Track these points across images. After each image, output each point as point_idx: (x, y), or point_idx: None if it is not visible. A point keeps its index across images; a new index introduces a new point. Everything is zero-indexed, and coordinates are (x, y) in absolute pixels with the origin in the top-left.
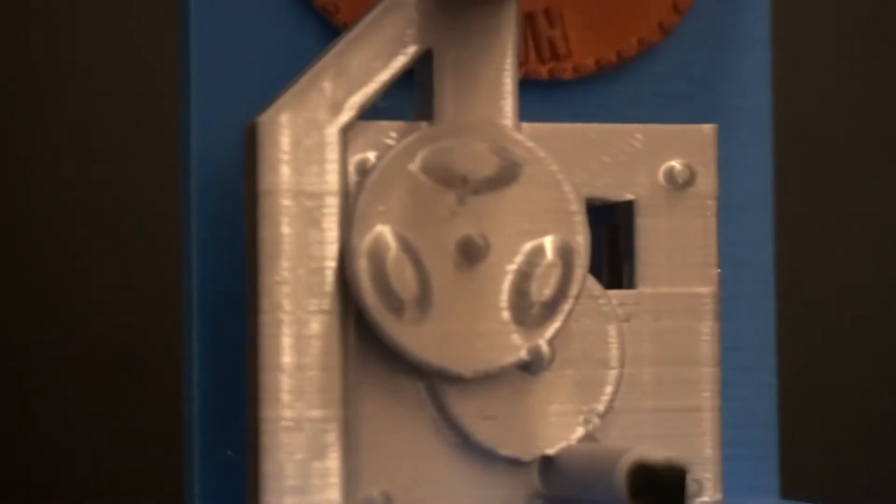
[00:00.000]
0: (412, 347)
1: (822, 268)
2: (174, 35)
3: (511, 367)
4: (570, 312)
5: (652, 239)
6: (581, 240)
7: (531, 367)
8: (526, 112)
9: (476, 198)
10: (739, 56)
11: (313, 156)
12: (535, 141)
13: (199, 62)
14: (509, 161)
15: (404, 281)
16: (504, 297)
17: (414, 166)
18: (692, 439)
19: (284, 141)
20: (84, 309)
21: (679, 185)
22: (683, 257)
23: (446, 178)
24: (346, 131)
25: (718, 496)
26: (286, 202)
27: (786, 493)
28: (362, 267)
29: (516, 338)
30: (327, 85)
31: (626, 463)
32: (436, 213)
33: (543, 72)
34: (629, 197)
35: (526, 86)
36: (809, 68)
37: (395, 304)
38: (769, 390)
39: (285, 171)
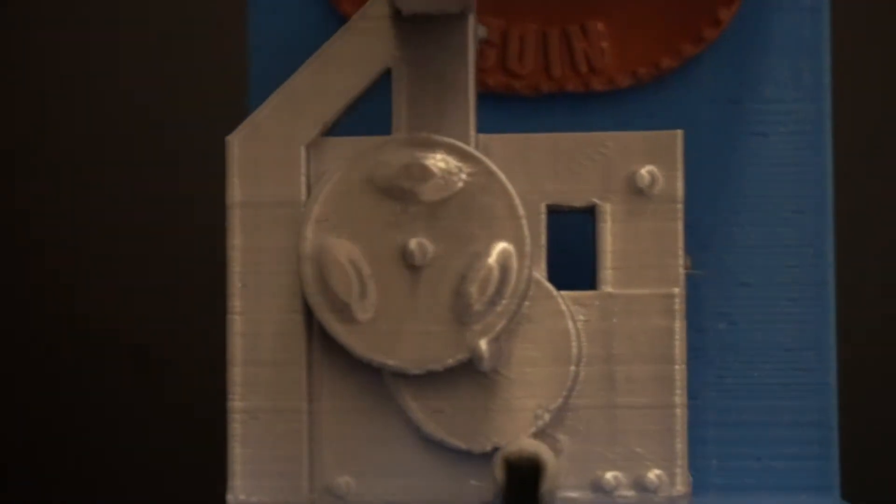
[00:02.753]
0: (357, 346)
1: (882, 270)
2: (239, 57)
3: (457, 365)
4: (515, 313)
5: (619, 242)
6: (522, 244)
7: (475, 365)
8: (563, 123)
9: (419, 206)
10: (794, 61)
11: (279, 170)
12: (506, 152)
13: (258, 85)
14: (451, 172)
15: (346, 284)
16: (445, 300)
17: (361, 177)
18: (662, 435)
19: (252, 157)
20: (101, 305)
21: (644, 189)
22: (650, 259)
23: (391, 189)
24: (311, 147)
25: (685, 490)
26: (252, 213)
27: (847, 494)
28: (308, 271)
29: (458, 338)
30: (294, 104)
31: (498, 457)
32: (380, 221)
33: (579, 84)
34: (596, 202)
35: (560, 99)
36: (871, 71)
37: (339, 306)
38: (829, 391)
39: (252, 185)
